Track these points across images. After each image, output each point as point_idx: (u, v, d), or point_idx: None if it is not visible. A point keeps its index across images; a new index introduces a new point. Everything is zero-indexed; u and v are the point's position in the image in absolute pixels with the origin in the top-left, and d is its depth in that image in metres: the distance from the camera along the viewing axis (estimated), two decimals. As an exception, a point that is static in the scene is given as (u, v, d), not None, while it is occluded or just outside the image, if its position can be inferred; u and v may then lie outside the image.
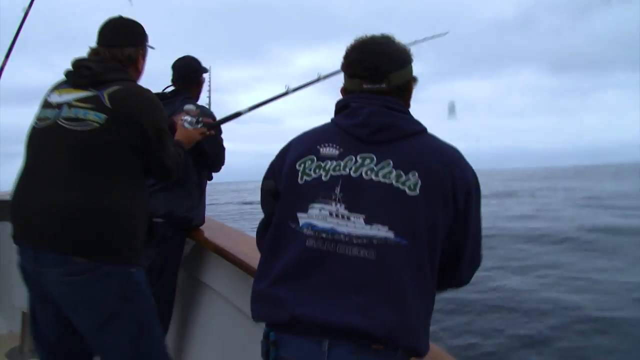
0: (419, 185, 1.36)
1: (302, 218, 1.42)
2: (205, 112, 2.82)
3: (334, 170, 1.42)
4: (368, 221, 1.36)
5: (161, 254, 2.87)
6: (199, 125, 2.68)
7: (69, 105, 1.95)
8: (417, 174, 1.37)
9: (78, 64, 2.03)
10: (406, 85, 1.53)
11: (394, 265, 1.33)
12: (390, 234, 1.34)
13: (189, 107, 2.70)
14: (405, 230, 1.34)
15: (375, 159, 1.41)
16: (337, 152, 1.45)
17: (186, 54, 3.13)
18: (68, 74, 2.05)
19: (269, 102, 2.84)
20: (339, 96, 1.59)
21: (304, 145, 1.51)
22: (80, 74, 2.00)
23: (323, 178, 1.43)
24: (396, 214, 1.35)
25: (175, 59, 3.15)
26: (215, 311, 2.91)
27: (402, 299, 1.33)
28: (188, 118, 2.65)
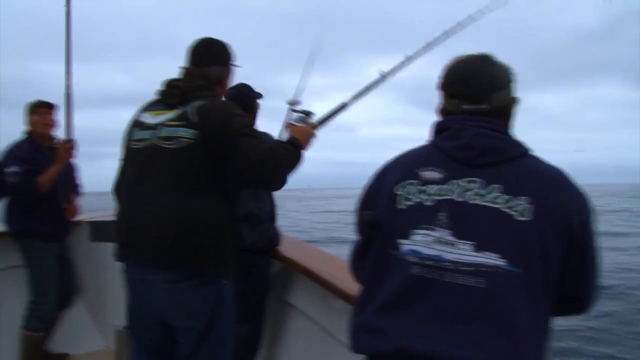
0: (529, 211, 1.30)
1: (405, 245, 1.38)
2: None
3: (437, 194, 1.37)
4: (477, 248, 1.30)
5: (250, 282, 2.90)
6: (309, 120, 2.53)
7: (164, 125, 2.07)
8: (527, 198, 1.31)
9: (170, 84, 2.17)
10: (507, 106, 1.48)
11: (506, 294, 1.27)
12: (501, 262, 1.28)
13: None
14: (517, 258, 1.28)
15: (481, 182, 1.35)
16: (440, 175, 1.39)
17: (239, 82, 3.03)
18: (161, 93, 2.19)
19: (370, 90, 2.69)
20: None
21: (403, 169, 1.46)
22: (171, 94, 2.14)
23: (426, 203, 1.38)
24: (507, 241, 1.29)
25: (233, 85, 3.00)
26: (302, 332, 2.96)
27: (515, 330, 1.26)
28: (294, 116, 2.54)
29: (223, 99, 2.29)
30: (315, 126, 2.45)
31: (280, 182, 2.18)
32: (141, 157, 2.11)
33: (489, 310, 1.27)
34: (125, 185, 2.17)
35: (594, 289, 1.44)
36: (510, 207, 1.31)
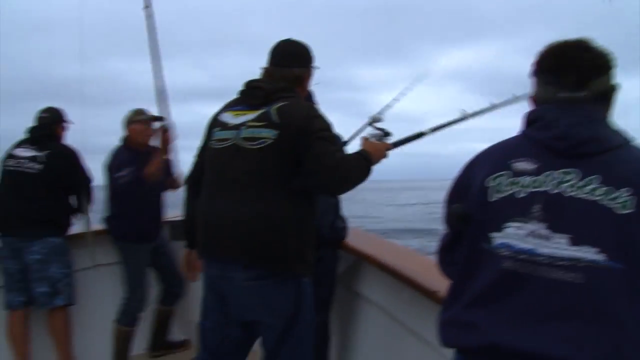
0: (632, 202, 1.22)
1: (497, 238, 1.34)
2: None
3: (531, 186, 1.32)
4: (574, 242, 1.24)
5: (316, 274, 2.94)
6: (385, 140, 2.55)
7: (246, 125, 2.12)
8: (629, 189, 1.23)
9: (252, 85, 2.23)
10: (607, 93, 1.39)
11: (605, 291, 1.21)
12: (600, 257, 1.21)
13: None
14: (618, 253, 1.21)
15: (577, 174, 1.29)
16: (533, 166, 1.34)
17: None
18: (243, 93, 2.25)
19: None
20: (483, 95, 1.48)
21: (494, 160, 1.41)
22: (254, 95, 2.19)
23: (519, 195, 1.33)
24: (607, 235, 1.22)
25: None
26: (374, 323, 2.98)
27: (616, 330, 1.20)
28: (373, 131, 2.57)
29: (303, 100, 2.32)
30: (390, 147, 2.48)
31: (345, 191, 2.20)
32: (223, 157, 2.17)
33: (587, 308, 1.22)
34: (205, 184, 2.23)
35: None
36: (610, 200, 1.24)
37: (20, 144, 3.62)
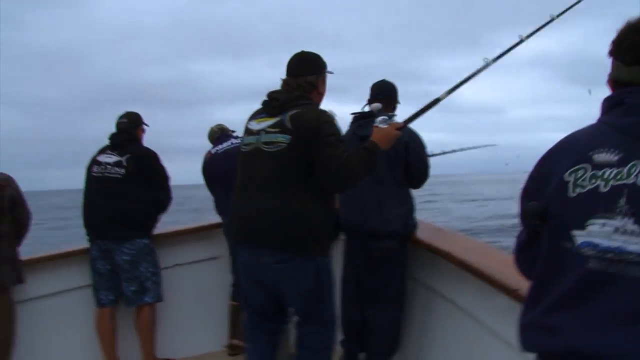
0: None
1: (580, 236, 1.24)
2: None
3: (615, 179, 1.21)
4: None
5: (387, 266, 3.20)
6: (392, 121, 2.76)
7: (265, 131, 2.54)
8: None
9: (271, 95, 2.63)
10: None
11: None
12: None
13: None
14: None
15: None
16: (616, 157, 1.22)
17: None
18: (264, 103, 2.67)
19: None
20: (569, 82, 1.42)
21: (572, 152, 1.31)
22: (271, 105, 2.60)
23: (602, 189, 1.22)
24: None
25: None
26: (451, 322, 2.98)
27: None
28: (379, 118, 2.73)
29: (320, 106, 2.67)
30: (401, 126, 2.73)
31: (350, 188, 2.61)
32: (248, 159, 2.61)
33: None
34: (236, 183, 2.67)
35: None
36: None
37: (103, 151, 3.86)
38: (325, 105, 2.76)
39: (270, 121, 2.55)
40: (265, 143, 2.51)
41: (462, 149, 4.78)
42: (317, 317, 2.64)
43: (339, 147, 2.43)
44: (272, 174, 2.50)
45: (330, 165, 2.39)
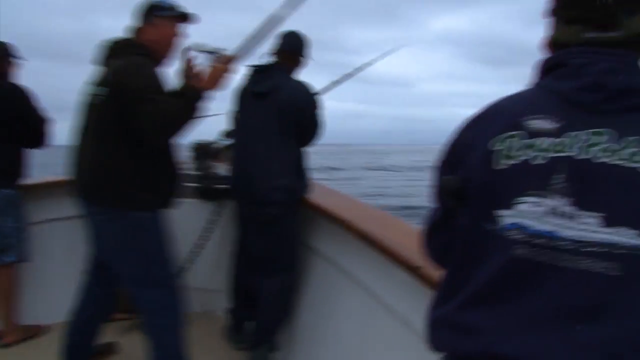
0: None
1: (506, 217, 1.04)
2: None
3: (551, 150, 1.02)
4: (608, 222, 0.96)
5: (276, 232, 3.06)
6: (219, 56, 2.48)
7: (96, 82, 2.44)
8: None
9: (104, 43, 2.52)
10: None
11: None
12: None
13: (194, 44, 2.60)
14: None
15: (611, 134, 1.00)
16: (555, 125, 1.04)
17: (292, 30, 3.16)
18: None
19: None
20: (473, 61, 1.23)
21: (501, 118, 1.10)
22: (101, 53, 2.49)
23: (535, 161, 1.03)
24: None
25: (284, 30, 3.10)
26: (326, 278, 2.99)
27: None
28: (197, 54, 2.48)
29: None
30: (229, 59, 2.48)
31: (170, 138, 2.42)
32: (83, 109, 2.48)
33: (625, 307, 0.95)
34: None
35: None
36: None
37: None
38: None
39: (101, 71, 2.46)
40: (94, 95, 2.42)
41: (359, 68, 4.44)
42: (145, 278, 2.49)
43: (153, 102, 2.28)
44: (92, 126, 2.42)
45: (146, 121, 2.27)
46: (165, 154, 2.49)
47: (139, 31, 2.50)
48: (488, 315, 1.04)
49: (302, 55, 3.16)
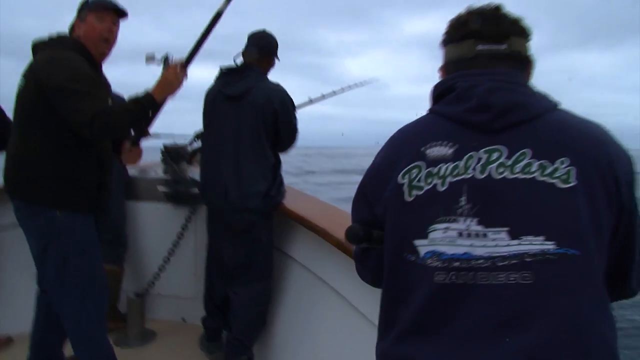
0: (573, 174, 1.05)
1: (423, 246, 1.10)
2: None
3: (452, 175, 1.10)
4: (514, 234, 1.03)
5: (250, 240, 2.99)
6: (169, 63, 2.46)
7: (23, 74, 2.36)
8: (567, 160, 1.05)
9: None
10: (528, 59, 1.22)
11: (561, 284, 1.01)
12: (548, 245, 1.02)
13: (147, 54, 2.58)
14: (569, 235, 1.03)
15: (505, 151, 1.08)
16: (450, 150, 1.11)
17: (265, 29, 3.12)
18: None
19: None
20: (439, 61, 1.29)
21: (406, 149, 1.18)
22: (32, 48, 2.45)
23: (440, 188, 1.10)
24: (551, 217, 1.03)
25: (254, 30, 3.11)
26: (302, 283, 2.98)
27: (581, 328, 1.01)
28: (150, 57, 2.49)
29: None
30: (179, 65, 2.46)
31: (108, 137, 2.43)
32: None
33: (543, 311, 1.01)
34: None
35: None
36: (549, 175, 1.06)
37: None
38: (211, 75, 2.68)
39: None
40: (18, 88, 2.36)
41: (335, 92, 4.62)
42: (57, 279, 2.39)
43: (84, 102, 2.21)
44: (16, 120, 2.38)
45: (76, 119, 2.20)
46: (90, 151, 2.39)
47: (72, 28, 2.46)
48: (424, 345, 1.08)
49: (274, 56, 3.09)
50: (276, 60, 3.11)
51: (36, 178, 2.31)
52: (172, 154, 3.70)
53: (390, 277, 1.18)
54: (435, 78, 1.28)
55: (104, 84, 2.50)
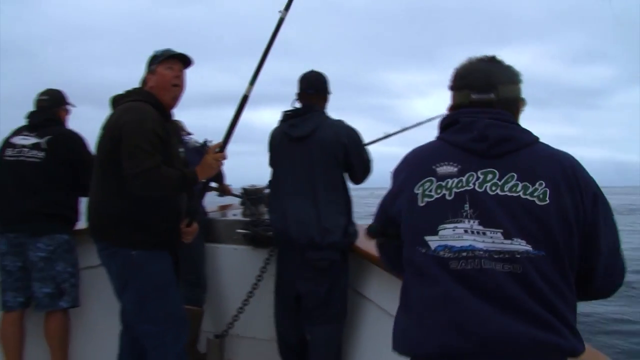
0: (547, 195, 1.42)
1: (434, 242, 1.47)
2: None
3: (457, 187, 1.48)
4: (507, 236, 1.41)
5: (330, 278, 3.01)
6: (207, 147, 2.94)
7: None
8: (544, 183, 1.43)
9: (114, 97, 2.77)
10: (515, 100, 1.62)
11: (538, 277, 1.39)
12: (528, 247, 1.40)
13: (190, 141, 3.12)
14: (543, 242, 1.40)
15: (497, 173, 1.46)
16: (455, 169, 1.50)
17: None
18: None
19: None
20: None
21: (420, 166, 1.57)
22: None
23: (447, 197, 1.48)
24: (531, 226, 1.41)
25: (306, 71, 3.25)
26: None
27: (547, 313, 1.38)
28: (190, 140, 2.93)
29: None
30: (215, 147, 2.79)
31: (151, 194, 2.59)
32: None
33: (524, 295, 1.38)
34: None
35: (612, 269, 1.54)
36: (529, 194, 1.43)
37: (19, 132, 3.46)
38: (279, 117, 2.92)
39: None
40: (98, 139, 2.67)
41: (402, 129, 4.74)
42: (140, 314, 2.66)
43: (140, 156, 2.50)
44: (95, 167, 2.67)
45: (129, 172, 2.48)
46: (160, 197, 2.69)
47: (143, 82, 2.78)
48: (440, 318, 1.42)
49: (327, 92, 3.22)
50: (329, 95, 3.23)
51: (113, 221, 2.60)
52: (252, 196, 3.79)
53: (407, 264, 1.54)
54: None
55: (174, 130, 2.81)
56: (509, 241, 1.39)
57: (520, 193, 1.42)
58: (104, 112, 3.02)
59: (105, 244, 2.65)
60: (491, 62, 1.60)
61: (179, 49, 2.79)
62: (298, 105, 3.15)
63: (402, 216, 1.55)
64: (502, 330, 1.36)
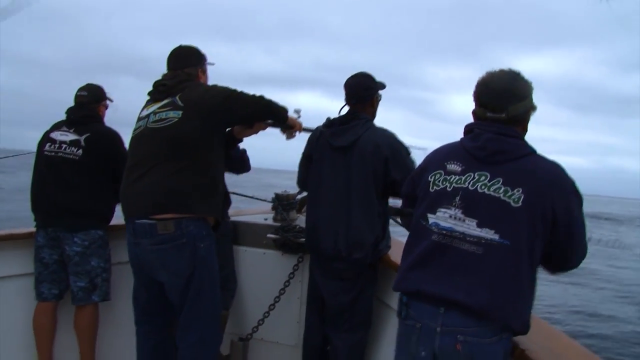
0: (521, 199, 1.90)
1: (431, 218, 2.05)
2: None
3: (456, 183, 2.02)
4: (479, 225, 1.92)
5: (355, 288, 3.04)
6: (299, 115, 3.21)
7: (154, 113, 2.82)
8: (521, 190, 1.90)
9: (157, 83, 2.95)
10: (524, 114, 2.07)
11: (495, 259, 1.90)
12: (495, 236, 1.90)
13: (296, 109, 3.25)
14: (508, 234, 1.90)
15: (488, 176, 1.95)
16: (459, 168, 2.03)
17: (360, 71, 3.27)
18: (150, 92, 2.96)
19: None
20: (559, 106, 2.51)
21: (436, 161, 2.15)
22: (159, 91, 2.90)
23: (448, 189, 2.03)
24: (502, 221, 1.91)
25: (352, 74, 3.26)
26: None
27: (497, 286, 1.88)
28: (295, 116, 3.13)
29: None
30: (296, 122, 3.17)
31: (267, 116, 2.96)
32: (136, 140, 2.82)
33: (479, 269, 1.91)
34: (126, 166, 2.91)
35: (580, 251, 2.02)
36: (508, 196, 1.91)
37: (58, 127, 3.72)
38: (317, 102, 2.99)
39: (159, 104, 2.85)
40: (154, 122, 2.80)
41: None
42: (194, 311, 2.70)
43: (243, 94, 2.80)
44: (161, 149, 2.70)
45: (249, 102, 2.78)
46: (221, 182, 2.95)
47: (189, 75, 2.97)
48: (420, 271, 2.02)
49: (372, 97, 3.22)
50: (380, 94, 3.27)
51: (191, 209, 2.65)
52: (284, 202, 3.81)
53: (412, 232, 2.18)
54: (549, 121, 2.16)
55: None
56: (479, 229, 1.92)
57: (501, 194, 1.93)
58: (144, 83, 3.15)
59: (170, 233, 2.58)
60: (506, 82, 2.04)
61: (222, 27, 2.91)
62: (344, 110, 3.19)
63: (418, 194, 2.16)
64: (448, 294, 1.90)
